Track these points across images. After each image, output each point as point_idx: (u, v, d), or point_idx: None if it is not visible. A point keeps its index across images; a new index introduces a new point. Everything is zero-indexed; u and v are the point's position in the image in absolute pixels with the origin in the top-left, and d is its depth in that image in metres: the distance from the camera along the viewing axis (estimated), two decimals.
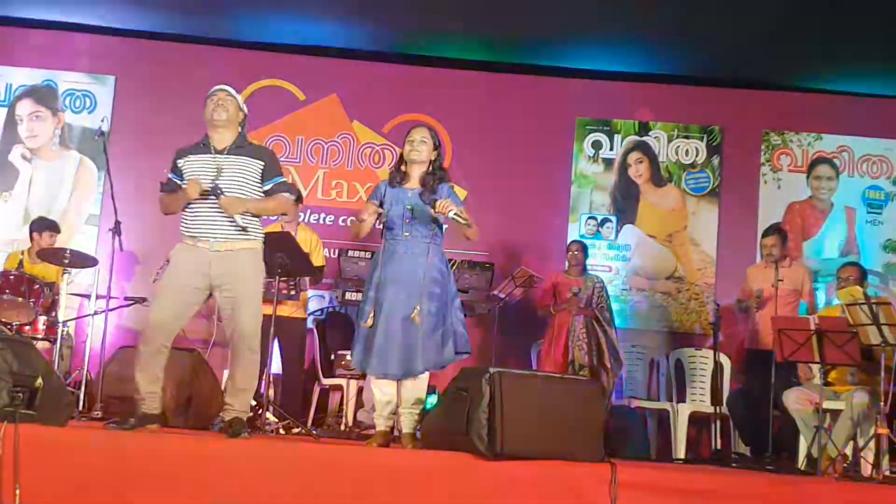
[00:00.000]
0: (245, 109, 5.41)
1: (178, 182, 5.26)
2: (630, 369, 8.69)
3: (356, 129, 9.25)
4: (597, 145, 9.37)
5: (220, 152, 5.24)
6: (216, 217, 5.15)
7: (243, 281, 5.19)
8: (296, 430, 6.76)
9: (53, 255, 7.37)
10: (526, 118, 9.28)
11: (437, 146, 5.45)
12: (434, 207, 5.17)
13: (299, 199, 7.76)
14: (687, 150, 9.36)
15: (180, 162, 5.28)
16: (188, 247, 5.21)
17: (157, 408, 5.20)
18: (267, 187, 5.30)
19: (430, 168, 5.40)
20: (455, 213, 5.14)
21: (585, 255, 8.21)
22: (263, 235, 5.37)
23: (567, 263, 8.23)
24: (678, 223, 9.27)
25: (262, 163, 5.28)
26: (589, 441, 4.66)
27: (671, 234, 9.25)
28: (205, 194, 5.13)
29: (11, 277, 7.20)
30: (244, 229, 5.17)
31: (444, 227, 5.43)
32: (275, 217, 6.12)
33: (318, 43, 9.24)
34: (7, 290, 7.12)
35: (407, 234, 5.31)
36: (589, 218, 9.27)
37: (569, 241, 8.70)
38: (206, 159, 5.23)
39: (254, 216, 5.26)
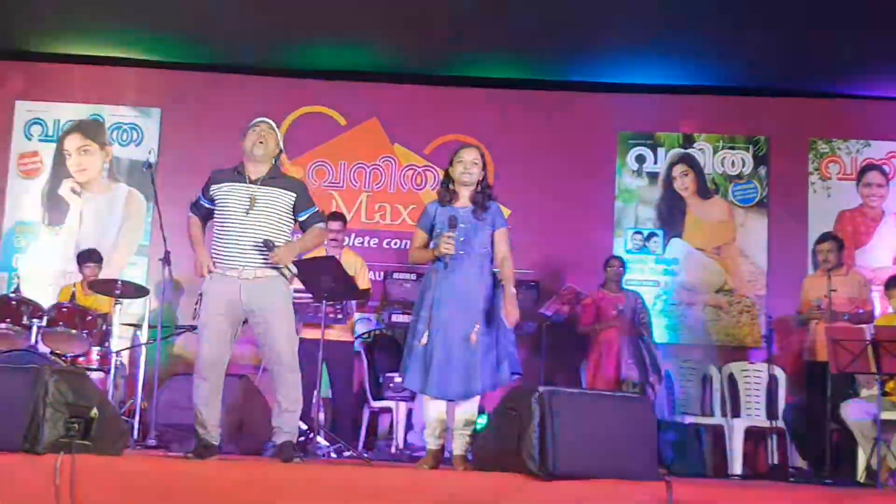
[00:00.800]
0: (282, 145, 5.54)
1: (207, 206, 5.42)
2: (682, 385, 8.62)
3: (397, 152, 9.29)
4: (640, 159, 9.33)
5: (255, 182, 5.35)
6: (244, 246, 5.27)
7: (273, 306, 5.31)
8: (347, 454, 6.77)
9: (105, 287, 7.46)
10: (567, 134, 9.26)
11: (483, 168, 5.46)
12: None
13: (344, 222, 7.86)
14: (733, 162, 9.28)
15: (214, 188, 5.39)
16: (218, 277, 5.33)
17: (218, 438, 5.35)
18: (302, 218, 5.45)
19: (479, 188, 5.41)
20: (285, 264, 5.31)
21: (625, 271, 8.18)
22: (298, 270, 5.57)
23: (606, 279, 8.19)
24: (726, 235, 9.18)
25: (295, 194, 5.41)
26: (642, 459, 4.60)
27: (719, 247, 9.17)
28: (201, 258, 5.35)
29: (64, 310, 7.30)
30: (280, 270, 5.33)
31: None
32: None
33: (357, 68, 9.30)
34: (61, 323, 7.21)
35: (462, 251, 5.25)
36: (635, 232, 9.22)
37: (612, 255, 8.66)
38: (240, 188, 5.34)
39: (283, 233, 5.39)
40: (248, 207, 5.26)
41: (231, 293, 5.27)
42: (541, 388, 4.53)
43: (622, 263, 8.25)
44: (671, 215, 9.24)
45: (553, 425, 4.42)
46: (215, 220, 5.40)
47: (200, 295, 5.61)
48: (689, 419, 8.20)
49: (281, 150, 5.54)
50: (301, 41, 8.83)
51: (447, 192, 5.44)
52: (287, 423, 5.35)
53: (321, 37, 8.71)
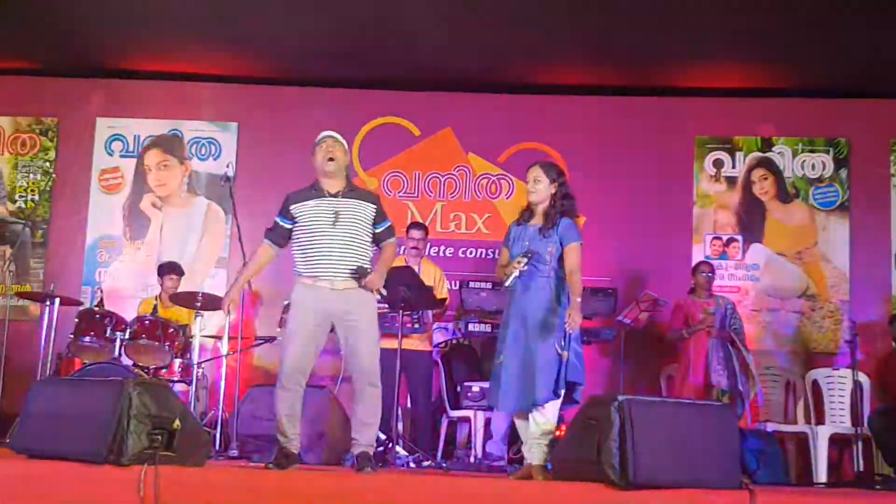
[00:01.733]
0: (349, 154, 5.64)
1: (286, 226, 5.51)
2: (765, 392, 8.45)
3: (472, 161, 9.29)
4: (718, 164, 9.20)
5: (335, 196, 5.45)
6: (334, 258, 5.37)
7: (360, 318, 5.41)
8: (426, 463, 6.78)
9: (186, 299, 7.58)
10: (643, 140, 9.17)
11: (554, 180, 5.46)
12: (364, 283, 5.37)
13: (426, 231, 7.96)
14: (813, 165, 9.11)
15: (293, 207, 5.49)
16: (307, 287, 5.42)
17: (298, 447, 5.43)
18: (378, 230, 5.57)
19: (553, 202, 5.42)
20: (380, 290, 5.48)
21: (713, 276, 8.08)
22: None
23: (695, 284, 8.07)
24: (808, 239, 9.01)
25: (374, 206, 5.54)
26: (725, 467, 4.53)
27: (801, 252, 8.99)
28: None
29: (147, 322, 7.42)
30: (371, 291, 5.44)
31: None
32: None
33: (430, 78, 9.31)
34: (143, 335, 7.33)
35: (525, 268, 5.36)
36: (714, 238, 9.09)
37: (694, 262, 8.55)
38: (322, 203, 5.44)
39: (365, 248, 5.50)
40: (333, 220, 5.37)
41: (321, 302, 5.37)
42: (620, 397, 4.49)
43: (712, 269, 8.14)
44: (751, 220, 9.10)
45: (633, 434, 4.38)
46: (298, 237, 5.48)
47: (287, 304, 5.70)
48: (771, 427, 8.04)
49: (349, 161, 5.62)
50: (374, 52, 8.88)
51: (526, 211, 5.57)
52: (364, 435, 5.40)
53: (394, 48, 8.75)
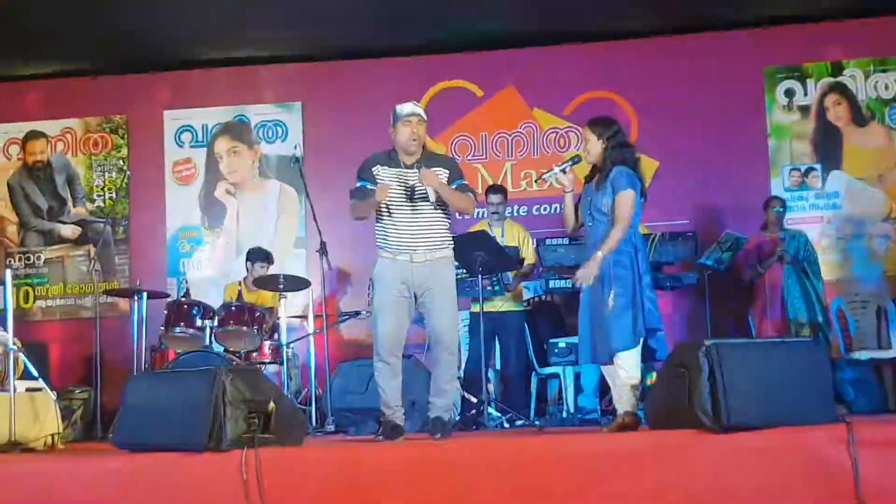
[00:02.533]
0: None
1: (369, 187, 5.48)
2: (857, 319, 8.31)
3: (537, 117, 9.22)
4: (789, 93, 9.01)
5: (410, 167, 5.48)
6: (414, 231, 5.44)
7: (441, 287, 5.47)
8: (519, 423, 6.81)
9: (269, 282, 7.69)
10: (710, 76, 9.01)
11: (601, 134, 5.42)
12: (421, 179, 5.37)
13: (505, 194, 7.96)
14: (886, 85, 8.86)
15: (374, 169, 5.50)
16: (389, 261, 5.49)
17: (402, 418, 5.52)
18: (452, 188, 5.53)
19: (604, 156, 5.38)
20: (433, 188, 5.35)
21: (785, 210, 7.94)
22: (454, 242, 5.66)
23: (766, 221, 7.96)
24: (887, 161, 8.80)
25: (448, 171, 5.55)
26: (819, 402, 4.46)
27: (881, 175, 8.79)
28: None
29: (233, 308, 7.55)
30: (434, 202, 5.41)
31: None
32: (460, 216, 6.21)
33: (487, 37, 9.24)
34: (231, 321, 7.46)
35: (590, 223, 5.41)
36: (792, 169, 8.92)
37: (772, 195, 8.41)
38: (399, 175, 5.49)
39: (443, 219, 5.52)
40: (409, 194, 5.44)
41: (404, 275, 5.44)
42: (707, 342, 4.45)
43: (782, 203, 8.03)
44: (827, 148, 8.90)
45: (723, 377, 4.34)
46: (378, 210, 5.51)
47: (371, 280, 5.77)
48: (866, 355, 7.91)
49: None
50: (429, 17, 8.84)
51: (592, 169, 5.52)
52: (439, 400, 5.51)
53: (449, 10, 8.69)
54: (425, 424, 6.34)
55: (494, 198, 7.79)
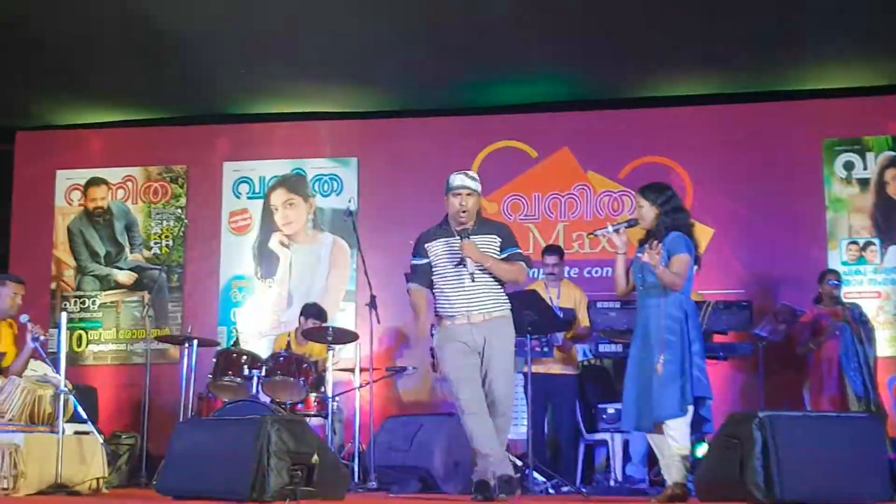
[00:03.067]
0: (480, 192, 5.64)
1: (424, 262, 5.59)
2: None
3: (592, 179, 9.20)
4: (849, 166, 8.91)
5: (460, 235, 5.53)
6: (467, 296, 5.47)
7: (498, 348, 5.47)
8: (565, 489, 6.71)
9: (318, 334, 7.69)
10: (769, 147, 8.94)
11: (654, 201, 5.44)
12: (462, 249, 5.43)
13: (561, 255, 7.94)
14: None
15: (427, 246, 5.61)
16: (447, 327, 5.54)
17: (509, 468, 5.47)
18: (503, 256, 5.57)
19: (657, 221, 5.38)
20: (472, 259, 5.39)
21: (841, 284, 7.83)
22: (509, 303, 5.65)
23: (821, 294, 7.85)
24: None
25: (500, 238, 5.58)
26: (874, 480, 4.38)
27: None
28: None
29: (281, 359, 7.56)
30: (471, 275, 5.44)
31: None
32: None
33: (544, 99, 9.31)
34: (279, 372, 7.47)
35: (641, 287, 5.43)
36: (850, 243, 8.80)
37: (827, 268, 8.29)
38: (449, 244, 5.56)
39: (496, 281, 5.53)
40: (458, 262, 5.47)
41: (463, 336, 5.47)
42: (761, 414, 4.40)
43: (838, 276, 7.91)
44: (887, 222, 8.77)
45: (777, 451, 4.27)
46: (434, 278, 5.59)
47: (432, 349, 5.83)
48: None
49: (480, 204, 5.68)
50: (485, 78, 8.92)
51: (646, 234, 5.55)
52: (488, 462, 5.38)
53: (505, 72, 8.77)
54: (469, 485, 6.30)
55: (550, 259, 7.76)
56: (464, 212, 5.50)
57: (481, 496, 5.26)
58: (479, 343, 5.45)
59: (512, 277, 5.60)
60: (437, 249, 5.57)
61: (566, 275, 8.35)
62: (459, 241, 5.48)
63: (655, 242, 5.25)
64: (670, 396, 5.16)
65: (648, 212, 5.43)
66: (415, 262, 5.65)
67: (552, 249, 7.92)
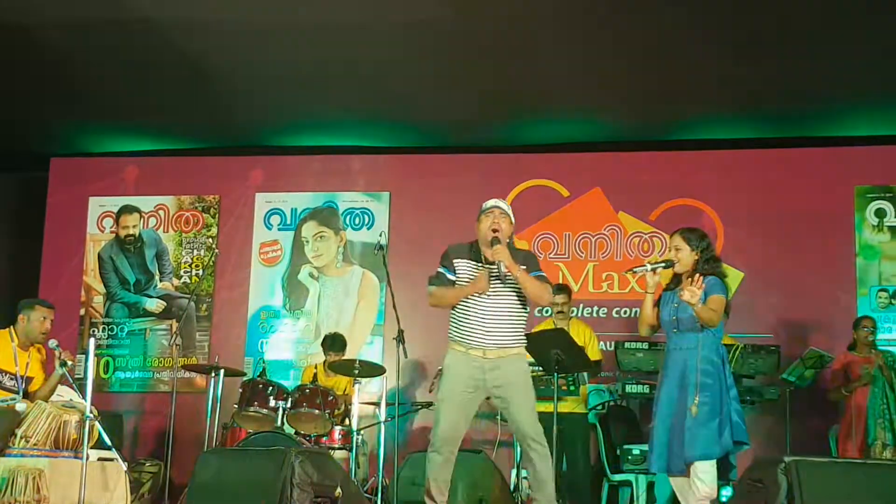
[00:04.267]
0: (513, 221, 5.58)
1: (449, 276, 5.51)
2: None
3: (622, 220, 9.20)
4: (880, 213, 8.87)
5: (491, 263, 5.45)
6: (487, 326, 5.41)
7: (516, 385, 5.42)
8: None
9: (344, 367, 7.69)
10: (800, 192, 8.92)
11: (696, 246, 5.41)
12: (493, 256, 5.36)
13: (569, 294, 7.90)
14: None
15: (456, 261, 5.52)
16: (460, 354, 5.46)
17: None
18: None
19: (695, 267, 5.35)
20: (504, 265, 5.29)
21: (876, 331, 7.76)
22: (527, 342, 5.62)
23: (856, 340, 7.78)
24: None
25: (526, 266, 5.47)
26: None
27: None
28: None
29: (307, 391, 7.55)
30: (502, 278, 5.38)
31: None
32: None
33: (578, 139, 9.35)
34: (304, 404, 7.46)
35: (675, 329, 5.38)
36: (880, 290, 8.74)
37: (859, 315, 8.23)
38: (476, 266, 5.49)
39: (516, 314, 5.44)
40: (487, 289, 5.39)
41: (475, 371, 5.40)
42: (787, 458, 4.36)
43: (873, 323, 7.83)
44: None
45: (802, 497, 4.22)
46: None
47: (440, 370, 5.76)
48: None
49: (513, 227, 5.61)
50: (520, 117, 8.99)
51: (675, 276, 5.51)
52: (544, 494, 5.39)
53: (540, 111, 8.82)
54: None
55: (559, 297, 7.74)
56: (495, 229, 5.40)
57: None
58: (490, 380, 5.39)
59: (538, 291, 5.46)
60: (462, 268, 5.50)
61: (590, 314, 8.33)
62: (491, 266, 5.40)
63: (698, 276, 5.21)
64: (707, 437, 5.12)
65: (688, 255, 5.38)
66: (441, 270, 5.54)
67: (560, 288, 7.89)
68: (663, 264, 5.50)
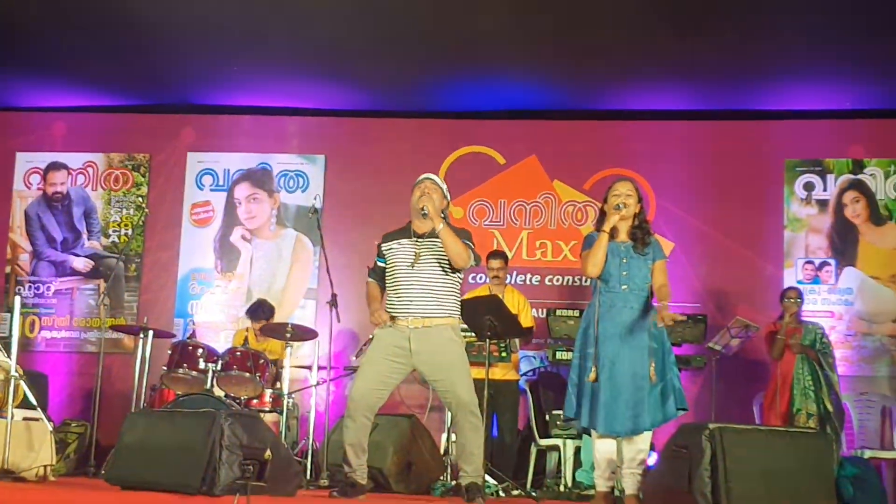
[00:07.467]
0: (448, 196, 5.64)
1: (381, 265, 5.59)
2: (861, 418, 8.25)
3: (557, 188, 9.26)
4: (809, 187, 9.03)
5: (421, 237, 5.51)
6: (412, 297, 5.43)
7: (443, 353, 5.41)
8: (515, 493, 6.74)
9: (276, 330, 7.67)
10: (731, 164, 9.05)
11: (640, 199, 5.41)
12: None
13: (505, 260, 7.94)
14: None
15: (384, 247, 5.60)
16: (387, 324, 5.48)
17: (365, 478, 5.44)
18: None
19: (637, 221, 5.36)
20: (428, 209, 5.31)
21: (802, 302, 7.91)
22: (460, 309, 5.62)
23: (784, 311, 7.92)
24: None
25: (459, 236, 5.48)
26: (819, 497, 4.43)
27: (895, 275, 8.77)
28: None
29: (238, 354, 7.51)
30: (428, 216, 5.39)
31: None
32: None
33: (514, 107, 9.36)
34: (235, 367, 7.42)
35: (625, 286, 5.29)
36: (806, 262, 8.92)
37: (784, 287, 8.39)
38: (406, 245, 5.52)
39: (444, 286, 5.46)
40: (412, 261, 5.44)
41: (401, 341, 5.42)
42: (711, 425, 4.44)
43: (800, 294, 7.97)
44: (843, 244, 8.90)
45: (725, 463, 4.31)
46: (386, 277, 5.59)
47: (370, 337, 5.77)
48: (868, 453, 7.83)
49: (448, 202, 5.65)
50: (457, 82, 8.96)
51: (612, 228, 5.37)
52: (472, 466, 5.40)
53: (477, 77, 8.80)
54: (429, 488, 6.32)
55: (495, 262, 7.78)
56: (422, 196, 5.43)
57: (339, 494, 5.29)
58: (418, 350, 5.39)
59: (457, 248, 5.35)
60: (392, 248, 5.55)
61: (522, 281, 8.38)
62: (413, 241, 5.46)
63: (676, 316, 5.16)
64: (656, 404, 5.12)
65: (635, 205, 5.35)
66: (376, 261, 5.65)
67: (496, 254, 7.95)
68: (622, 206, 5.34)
